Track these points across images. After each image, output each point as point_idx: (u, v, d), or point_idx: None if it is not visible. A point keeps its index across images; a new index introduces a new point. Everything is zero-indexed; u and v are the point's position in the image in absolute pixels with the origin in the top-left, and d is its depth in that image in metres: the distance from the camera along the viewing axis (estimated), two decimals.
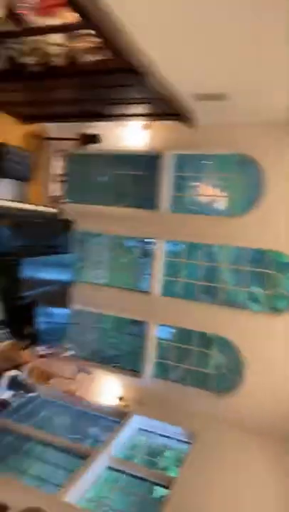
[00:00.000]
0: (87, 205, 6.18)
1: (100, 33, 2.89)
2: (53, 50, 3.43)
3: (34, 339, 4.92)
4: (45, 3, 2.73)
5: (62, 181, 6.11)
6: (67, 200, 6.11)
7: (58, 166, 6.08)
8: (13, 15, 2.99)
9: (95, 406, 5.55)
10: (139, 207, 5.96)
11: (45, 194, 6.14)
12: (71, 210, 5.87)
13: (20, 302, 4.36)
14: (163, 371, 5.90)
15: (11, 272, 4.23)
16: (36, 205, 5.47)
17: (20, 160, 4.77)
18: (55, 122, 5.75)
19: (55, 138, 5.92)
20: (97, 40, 3.22)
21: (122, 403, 5.49)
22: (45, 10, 2.79)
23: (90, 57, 3.41)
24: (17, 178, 4.93)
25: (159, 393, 5.57)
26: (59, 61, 3.53)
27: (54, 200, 6.01)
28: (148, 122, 5.24)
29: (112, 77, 3.70)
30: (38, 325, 4.72)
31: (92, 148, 5.53)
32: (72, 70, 3.62)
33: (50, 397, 5.78)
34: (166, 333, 6.13)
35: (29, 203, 5.54)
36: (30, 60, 3.61)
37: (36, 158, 5.91)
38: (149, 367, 5.76)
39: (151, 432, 5.22)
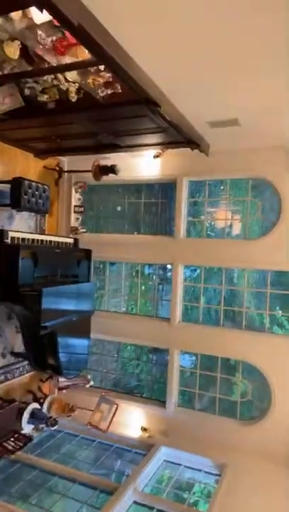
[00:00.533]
0: (104, 235, 6.28)
1: (111, 68, 3.01)
2: (68, 86, 3.59)
3: (55, 370, 4.89)
4: (60, 44, 2.89)
5: (79, 212, 6.23)
6: (85, 230, 6.21)
7: (75, 198, 6.23)
8: (28, 55, 3.16)
9: (119, 438, 5.40)
10: (155, 234, 6.01)
11: (63, 225, 6.26)
12: (89, 239, 5.96)
13: (41, 333, 4.36)
14: (187, 400, 5.74)
15: (31, 303, 4.26)
16: (55, 236, 5.58)
17: (39, 193, 4.91)
18: (72, 155, 5.93)
19: (73, 170, 6.09)
20: (110, 74, 3.36)
21: (146, 434, 5.34)
22: (59, 49, 2.94)
23: (104, 92, 3.54)
24: (36, 211, 5.05)
25: (185, 423, 5.40)
26: (74, 97, 3.68)
27: (72, 231, 6.12)
28: (160, 151, 5.35)
29: (126, 109, 3.82)
30: (59, 356, 4.69)
31: (109, 178, 5.66)
32: (87, 104, 3.77)
33: (73, 430, 5.67)
34: (188, 360, 6.01)
35: (48, 234, 5.66)
36: (46, 97, 3.78)
37: (54, 191, 6.08)
38: (173, 396, 5.62)
39: (177, 464, 5.03)
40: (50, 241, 5.04)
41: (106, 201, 6.49)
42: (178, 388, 5.69)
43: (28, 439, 4.94)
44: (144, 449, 5.16)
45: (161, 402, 5.72)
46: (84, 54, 3.03)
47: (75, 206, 6.21)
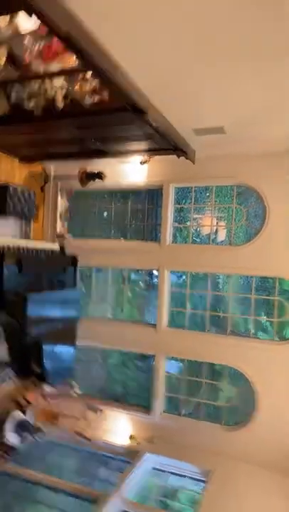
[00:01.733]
0: (90, 240, 6.25)
1: (98, 75, 3.03)
2: (55, 92, 3.59)
3: (40, 378, 4.82)
4: (48, 50, 2.89)
5: (65, 218, 6.20)
6: (70, 236, 6.18)
7: (61, 204, 6.20)
8: (15, 61, 3.15)
9: (105, 446, 5.35)
10: (142, 239, 6.02)
11: (49, 231, 6.22)
12: (75, 245, 5.92)
13: (26, 340, 4.31)
14: (173, 406, 5.73)
15: (16, 309, 4.21)
16: (41, 241, 5.54)
17: (25, 198, 4.88)
18: (58, 161, 5.91)
19: (59, 176, 6.07)
20: (96, 81, 3.38)
21: (133, 442, 5.30)
22: (47, 56, 2.95)
23: (91, 98, 3.55)
24: (21, 216, 5.00)
25: (171, 429, 5.39)
26: (61, 103, 3.68)
27: (58, 237, 6.08)
28: (146, 157, 5.38)
29: (113, 116, 3.83)
30: (44, 363, 4.64)
31: (95, 185, 5.65)
32: (74, 110, 3.77)
33: (58, 439, 5.58)
34: (174, 366, 6.00)
35: (34, 240, 5.61)
36: (32, 103, 3.77)
37: (40, 196, 6.04)
38: (159, 402, 5.60)
39: (164, 471, 5.00)
40: (36, 247, 5.00)
41: (92, 207, 6.47)
42: (164, 394, 5.67)
43: (11, 448, 4.86)
44: (130, 456, 5.11)
45: (147, 409, 5.69)
46: (71, 60, 3.05)
47: (61, 212, 6.18)
